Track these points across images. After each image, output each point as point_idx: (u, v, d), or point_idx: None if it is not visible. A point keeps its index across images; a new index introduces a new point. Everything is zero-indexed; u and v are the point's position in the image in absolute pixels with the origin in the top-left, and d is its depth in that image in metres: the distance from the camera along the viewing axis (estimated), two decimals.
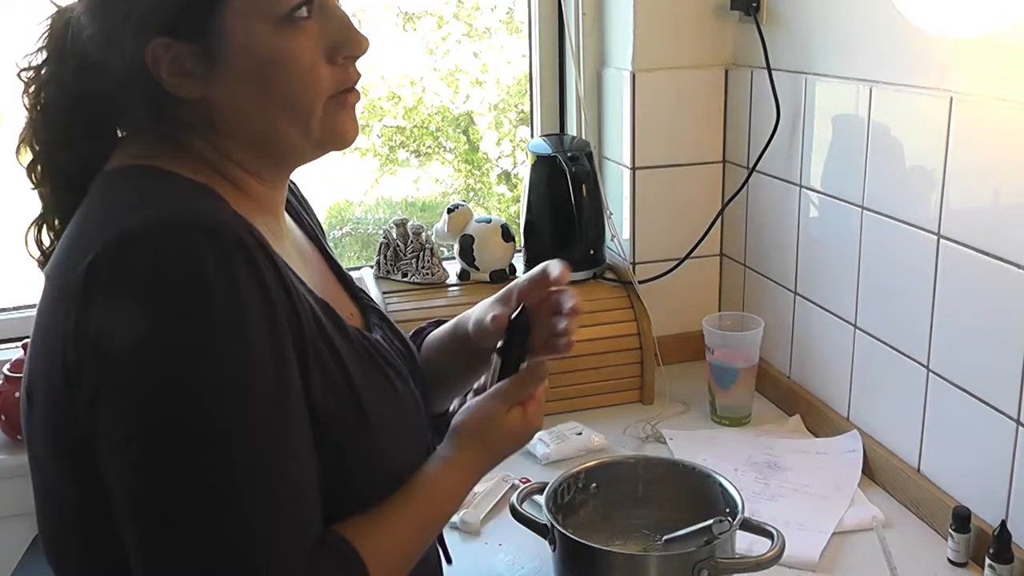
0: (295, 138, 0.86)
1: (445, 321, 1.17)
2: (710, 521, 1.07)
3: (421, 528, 0.91)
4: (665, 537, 1.14)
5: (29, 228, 0.92)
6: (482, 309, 1.08)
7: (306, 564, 0.78)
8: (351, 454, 0.86)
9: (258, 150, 0.87)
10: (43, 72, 0.88)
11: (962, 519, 1.22)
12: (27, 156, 0.90)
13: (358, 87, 0.89)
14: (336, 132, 0.88)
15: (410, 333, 1.15)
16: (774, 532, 1.11)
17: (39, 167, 0.89)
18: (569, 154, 1.74)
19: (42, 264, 0.91)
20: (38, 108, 0.88)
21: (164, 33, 0.81)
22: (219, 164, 0.87)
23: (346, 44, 0.85)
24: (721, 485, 1.18)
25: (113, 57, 0.82)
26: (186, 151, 0.86)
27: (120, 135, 0.90)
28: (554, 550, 1.12)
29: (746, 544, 1.14)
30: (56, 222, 0.91)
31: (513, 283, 1.09)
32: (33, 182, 0.90)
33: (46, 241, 0.92)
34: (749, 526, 1.13)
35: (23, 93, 0.88)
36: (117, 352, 0.74)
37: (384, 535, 0.87)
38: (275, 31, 0.82)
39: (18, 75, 0.88)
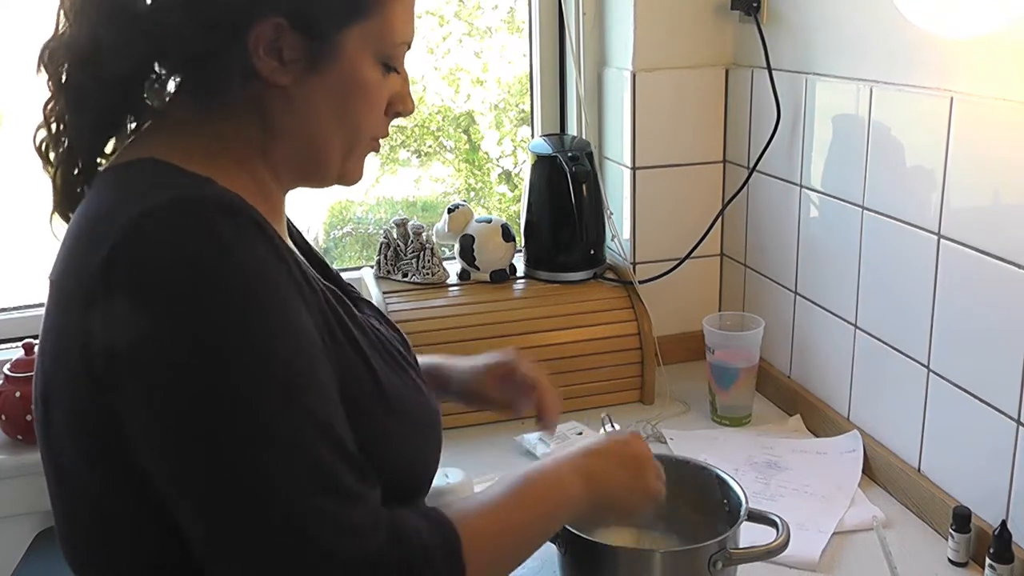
0: (335, 160, 0.91)
1: None
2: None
3: (519, 521, 0.92)
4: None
5: (57, 169, 0.90)
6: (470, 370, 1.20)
7: (388, 518, 0.80)
8: (374, 446, 0.85)
9: (298, 155, 0.90)
10: None
11: (962, 519, 1.22)
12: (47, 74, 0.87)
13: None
14: (353, 169, 0.94)
15: None
16: (778, 520, 1.11)
17: (74, 88, 0.86)
18: (569, 154, 1.74)
19: (59, 206, 0.90)
20: (97, 23, 0.84)
21: (287, 17, 0.82)
22: (248, 156, 0.87)
23: (402, 103, 0.94)
24: (719, 478, 1.17)
25: (222, 10, 0.81)
26: (198, 144, 0.85)
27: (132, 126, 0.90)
28: (563, 553, 1.11)
29: (749, 536, 1.13)
30: (74, 156, 0.89)
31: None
32: (60, 100, 0.87)
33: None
34: (753, 516, 1.13)
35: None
36: (147, 337, 0.74)
37: (483, 517, 0.89)
38: (374, 67, 0.88)
39: None
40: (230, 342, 0.74)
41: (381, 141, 0.96)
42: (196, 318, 0.74)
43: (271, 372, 0.76)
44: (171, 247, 0.75)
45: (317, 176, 0.93)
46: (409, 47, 0.92)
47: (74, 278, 0.79)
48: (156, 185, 0.80)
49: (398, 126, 2.27)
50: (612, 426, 1.23)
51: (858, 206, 1.45)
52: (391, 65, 0.90)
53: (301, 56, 0.84)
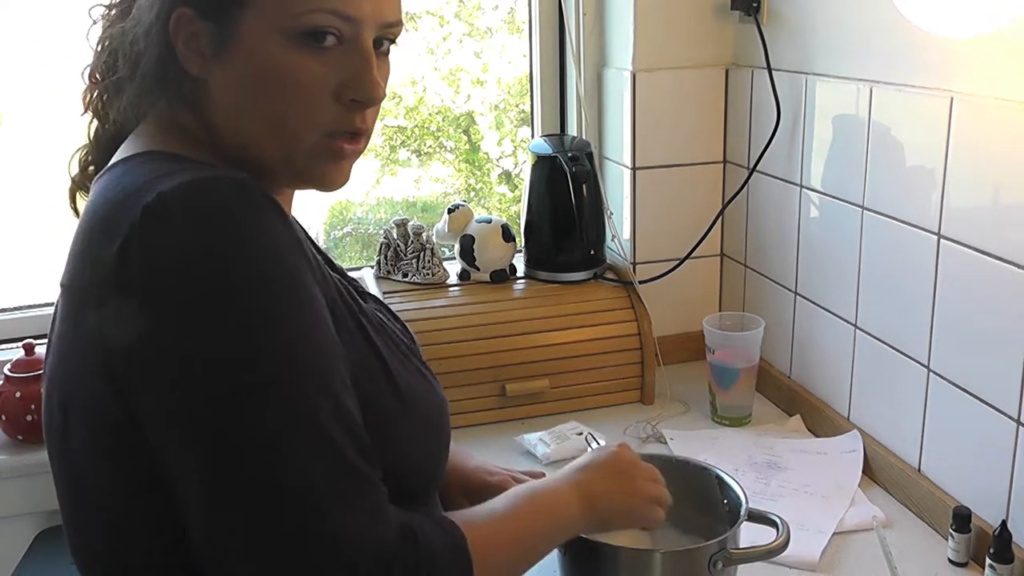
0: (273, 160, 0.85)
1: None
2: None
3: (523, 534, 0.92)
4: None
5: (74, 154, 0.94)
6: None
7: (395, 516, 0.78)
8: (386, 442, 0.83)
9: (239, 154, 0.85)
10: None
11: (962, 519, 1.21)
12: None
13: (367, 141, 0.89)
14: (316, 173, 0.86)
15: None
16: (778, 520, 1.11)
17: (96, 90, 0.92)
18: (569, 154, 1.74)
19: (75, 186, 0.94)
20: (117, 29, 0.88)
21: (189, 5, 0.81)
22: (213, 145, 0.86)
23: (355, 86, 0.82)
24: (719, 478, 1.17)
25: (146, 11, 0.83)
26: (186, 133, 0.86)
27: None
28: (563, 553, 1.11)
29: (749, 536, 1.13)
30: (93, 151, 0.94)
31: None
32: (87, 104, 0.93)
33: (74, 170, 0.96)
34: (753, 516, 1.13)
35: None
36: (163, 328, 0.73)
37: (489, 527, 0.88)
38: (288, 46, 0.80)
39: None
40: (246, 329, 0.73)
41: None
42: (214, 305, 0.73)
43: (288, 358, 0.74)
44: (186, 233, 0.73)
45: (271, 176, 0.85)
46: (343, 16, 0.80)
47: (87, 276, 0.78)
48: (166, 173, 0.78)
49: (398, 126, 2.27)
50: (597, 442, 1.24)
51: (858, 206, 1.45)
52: (317, 39, 0.80)
53: (210, 42, 0.82)
